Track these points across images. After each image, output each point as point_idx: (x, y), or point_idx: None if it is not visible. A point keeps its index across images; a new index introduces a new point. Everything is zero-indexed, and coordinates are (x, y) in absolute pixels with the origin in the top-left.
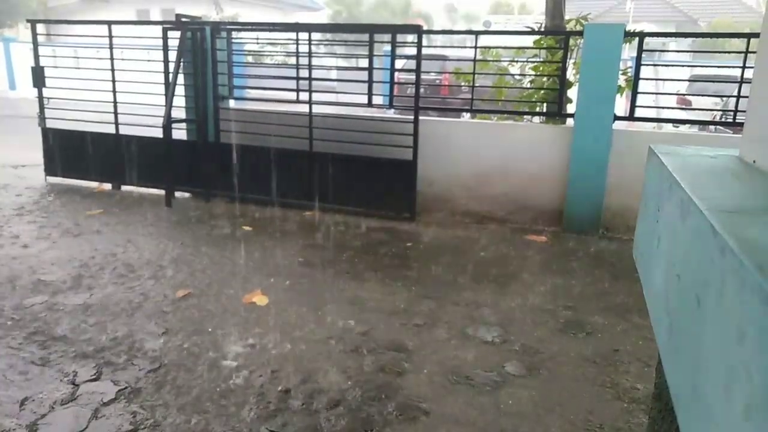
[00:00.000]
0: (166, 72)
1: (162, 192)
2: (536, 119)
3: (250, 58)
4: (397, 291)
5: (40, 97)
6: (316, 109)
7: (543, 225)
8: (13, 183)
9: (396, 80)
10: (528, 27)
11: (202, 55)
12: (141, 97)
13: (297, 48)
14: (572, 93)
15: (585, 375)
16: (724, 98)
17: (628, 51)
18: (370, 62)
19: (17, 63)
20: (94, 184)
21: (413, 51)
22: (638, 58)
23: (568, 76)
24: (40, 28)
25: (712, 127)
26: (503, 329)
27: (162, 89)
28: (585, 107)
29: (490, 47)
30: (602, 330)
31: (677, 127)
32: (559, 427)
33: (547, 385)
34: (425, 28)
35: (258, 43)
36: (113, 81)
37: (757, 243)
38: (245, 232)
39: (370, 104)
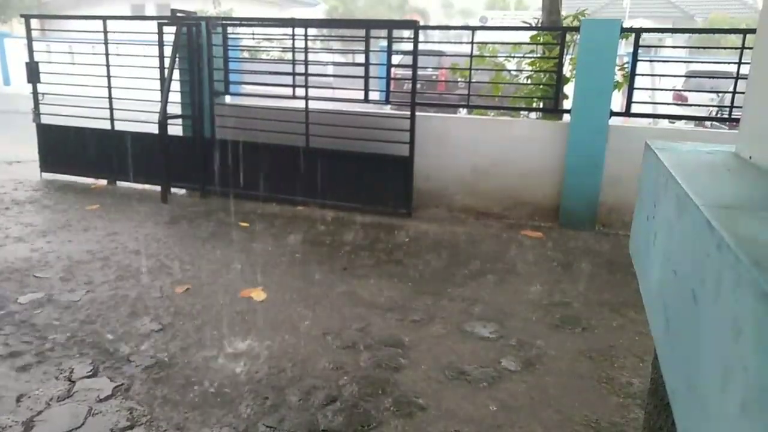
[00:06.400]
0: (162, 67)
1: (158, 188)
2: (533, 115)
3: (246, 54)
4: (393, 287)
5: (35, 93)
6: (313, 104)
7: (539, 221)
8: (7, 179)
9: (392, 76)
10: (525, 23)
11: (197, 50)
12: (136, 93)
13: (293, 43)
14: (569, 89)
15: (581, 370)
16: (721, 94)
17: (625, 47)
18: (367, 58)
19: (11, 58)
20: (89, 181)
21: (410, 46)
22: (635, 54)
23: (564, 72)
24: (35, 23)
25: (708, 122)
26: (499, 325)
27: (157, 85)
28: (581, 103)
29: (486, 43)
30: (598, 325)
31: (673, 123)
32: (555, 423)
33: (543, 381)
34: (422, 23)
35: (254, 39)
36: (108, 76)
37: (753, 238)
38: (242, 228)
39: (366, 100)
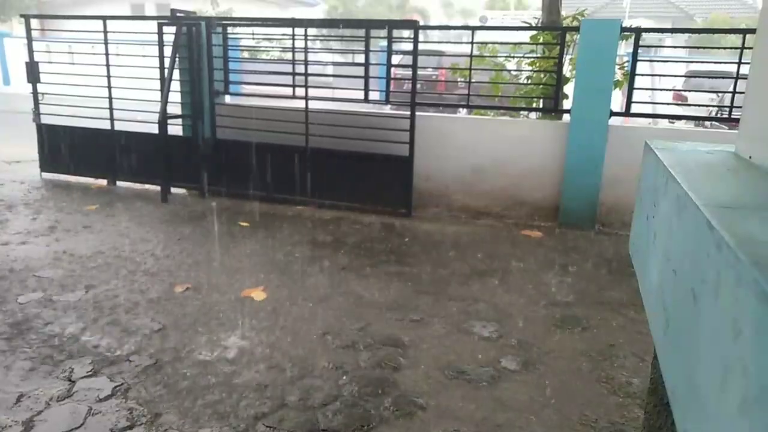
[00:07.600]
0: (162, 67)
1: (158, 188)
2: (533, 115)
3: (246, 54)
4: (393, 286)
5: (35, 93)
6: (312, 104)
7: (539, 220)
8: (7, 179)
9: (392, 76)
10: (525, 22)
11: (197, 50)
12: (136, 93)
13: (293, 43)
14: (569, 89)
15: (581, 370)
16: (720, 94)
17: (625, 47)
18: (367, 58)
19: (11, 58)
20: (89, 180)
21: (410, 46)
22: (634, 54)
23: (564, 72)
24: (34, 23)
25: (708, 122)
26: (499, 324)
27: (157, 85)
28: (581, 103)
29: (486, 43)
30: (598, 325)
31: (673, 123)
32: (555, 422)
33: (542, 380)
34: (422, 23)
35: (254, 39)
36: (108, 76)
37: (753, 238)
38: (242, 228)
39: (366, 100)
